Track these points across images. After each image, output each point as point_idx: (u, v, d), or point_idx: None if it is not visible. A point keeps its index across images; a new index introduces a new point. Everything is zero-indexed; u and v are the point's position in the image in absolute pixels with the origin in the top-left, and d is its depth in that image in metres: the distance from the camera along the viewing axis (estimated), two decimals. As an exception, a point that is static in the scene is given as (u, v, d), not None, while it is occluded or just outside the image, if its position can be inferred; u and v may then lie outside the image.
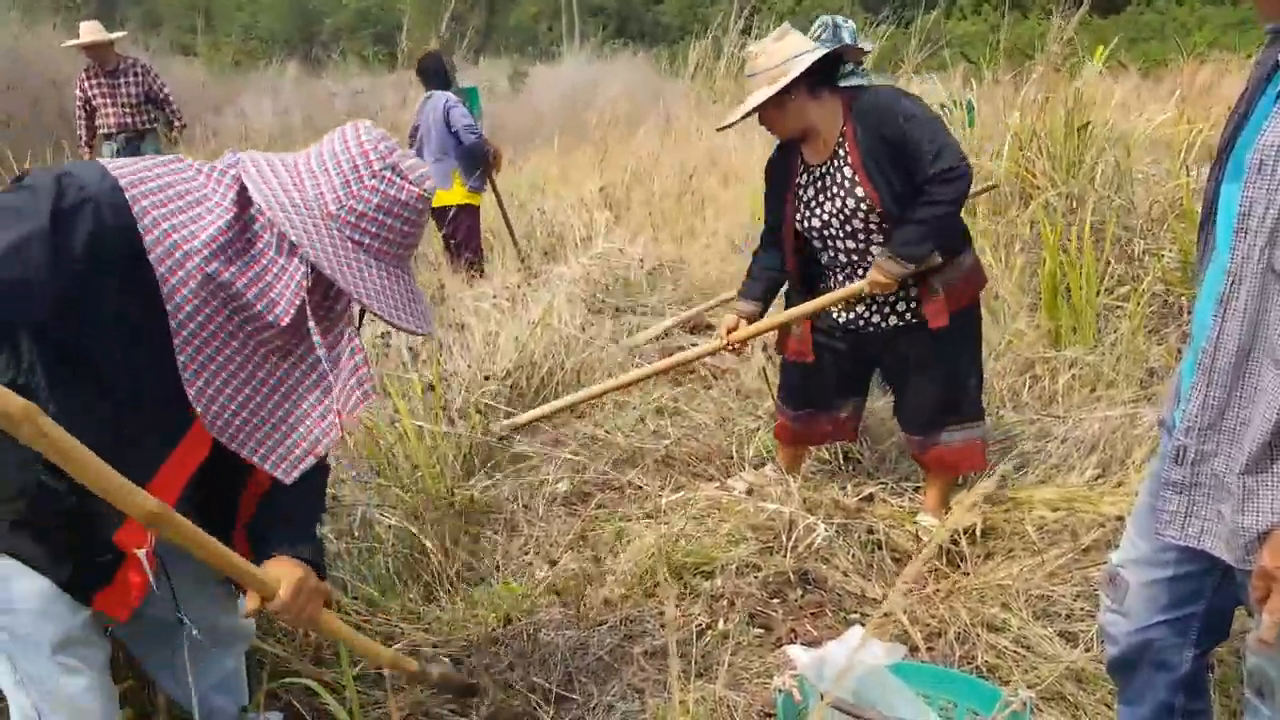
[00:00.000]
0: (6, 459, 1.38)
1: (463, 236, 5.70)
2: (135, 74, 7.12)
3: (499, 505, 3.13)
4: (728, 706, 2.12)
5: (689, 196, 7.20)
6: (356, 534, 2.74)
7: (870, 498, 3.10)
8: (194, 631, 1.62)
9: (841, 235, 2.77)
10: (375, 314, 1.43)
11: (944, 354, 2.81)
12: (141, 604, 1.54)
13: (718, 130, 3.43)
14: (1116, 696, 1.82)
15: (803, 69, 2.62)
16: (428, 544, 2.75)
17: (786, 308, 3.04)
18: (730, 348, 3.02)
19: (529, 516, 3.09)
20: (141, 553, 1.42)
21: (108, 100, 7.05)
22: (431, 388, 3.30)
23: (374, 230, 1.43)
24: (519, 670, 2.34)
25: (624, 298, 5.47)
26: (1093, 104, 4.49)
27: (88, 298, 1.30)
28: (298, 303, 1.39)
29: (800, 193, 2.82)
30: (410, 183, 1.45)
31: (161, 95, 7.22)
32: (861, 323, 2.86)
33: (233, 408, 1.44)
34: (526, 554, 2.89)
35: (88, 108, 7.08)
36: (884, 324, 2.82)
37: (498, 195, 6.00)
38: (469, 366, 3.84)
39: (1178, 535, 1.48)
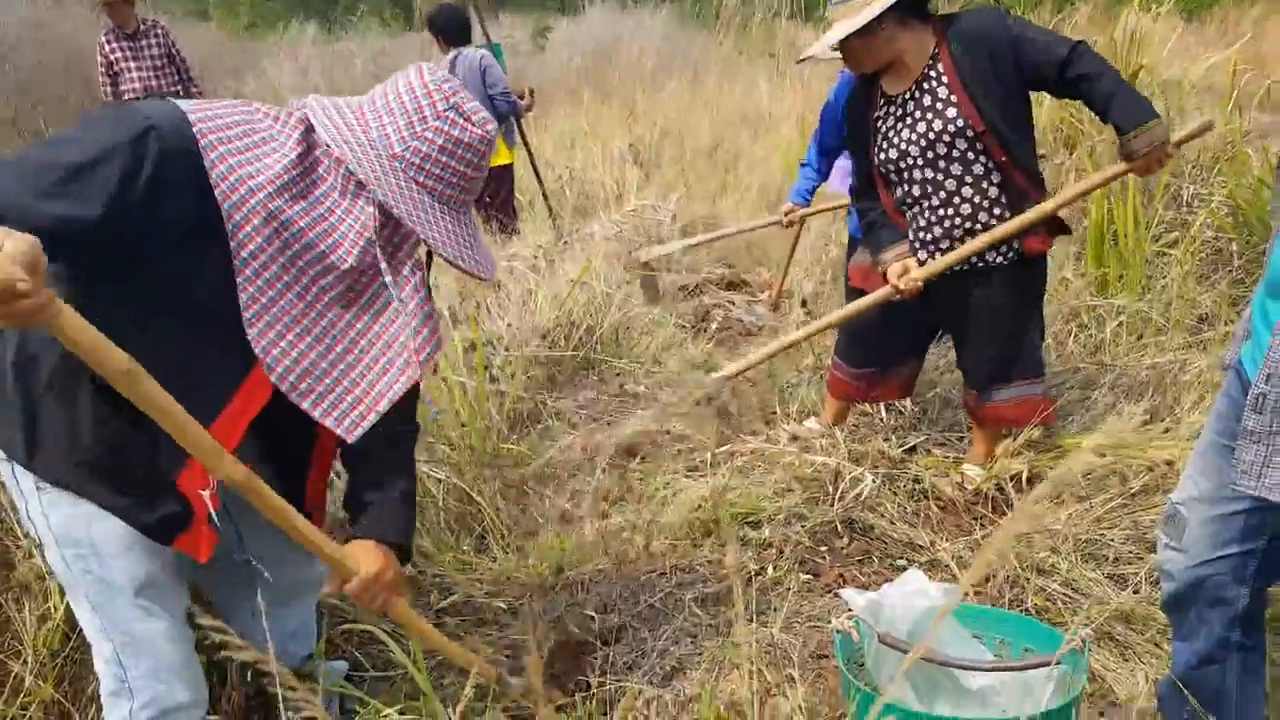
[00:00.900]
0: (84, 411, 1.41)
1: (495, 197, 5.64)
2: (156, 35, 7.10)
3: (546, 461, 3.17)
4: (782, 649, 2.16)
5: (720, 152, 7.14)
6: (408, 489, 2.79)
7: (914, 448, 3.10)
8: (265, 574, 1.66)
9: (919, 164, 2.69)
10: (442, 255, 1.44)
11: (1007, 305, 2.75)
12: (220, 549, 1.58)
13: (798, 63, 3.38)
14: (1172, 633, 1.83)
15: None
16: (477, 498, 2.80)
17: (872, 253, 2.92)
18: (902, 293, 2.76)
19: (575, 471, 3.13)
20: (206, 494, 1.44)
21: (131, 64, 7.02)
22: (473, 346, 3.33)
23: (438, 172, 1.44)
24: (573, 617, 2.40)
25: (662, 257, 5.45)
26: (1144, 47, 4.39)
27: (152, 225, 1.29)
28: (361, 243, 1.39)
29: (878, 125, 2.77)
30: (473, 124, 1.45)
31: (180, 58, 7.23)
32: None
33: (294, 354, 1.43)
34: (576, 509, 2.94)
35: (110, 72, 7.03)
36: (950, 270, 2.72)
37: (529, 150, 5.92)
38: (509, 325, 3.87)
39: (1253, 486, 1.47)
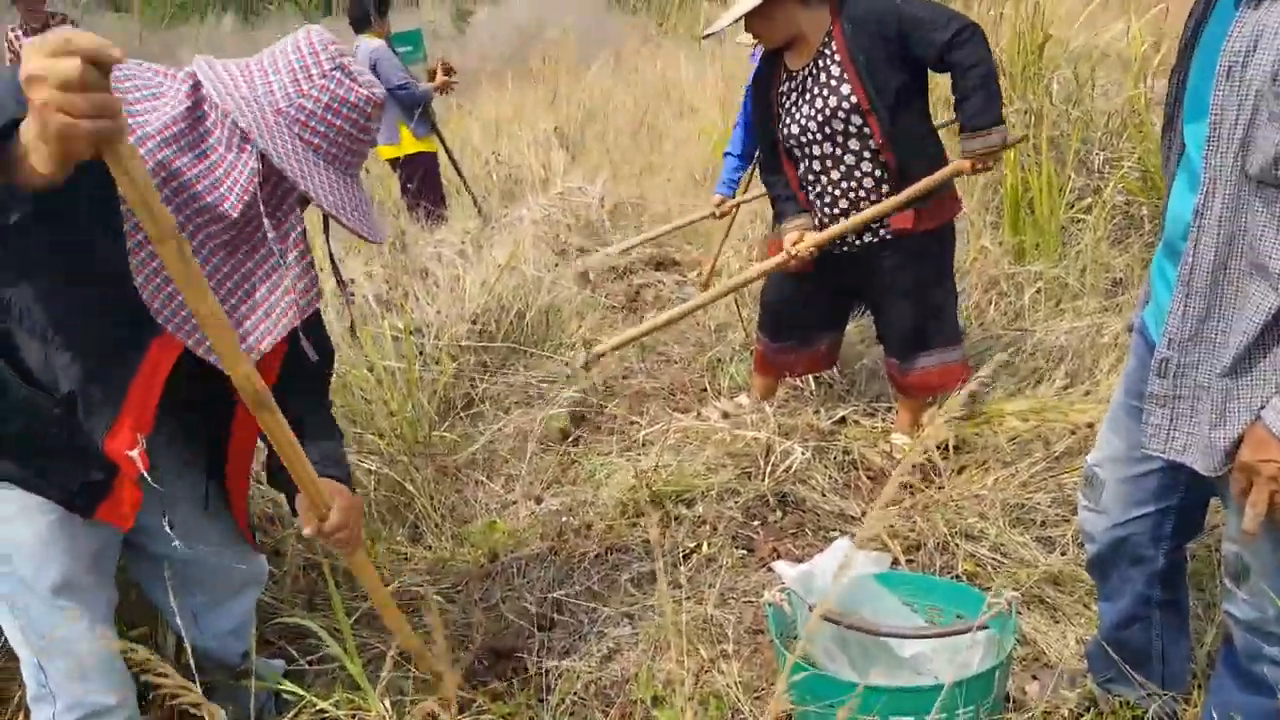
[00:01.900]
0: None
1: (419, 184, 5.52)
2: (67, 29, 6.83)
3: (478, 448, 3.13)
4: (718, 625, 2.17)
5: (645, 132, 7.12)
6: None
7: (844, 420, 3.14)
8: (175, 544, 1.63)
9: (818, 139, 2.73)
10: (322, 207, 1.42)
11: (919, 275, 2.81)
12: (158, 544, 1.58)
13: (702, 38, 3.39)
14: (1096, 593, 1.89)
15: None
16: (410, 488, 2.76)
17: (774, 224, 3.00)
18: (796, 259, 2.80)
19: (508, 457, 3.10)
20: (134, 453, 1.42)
21: None
22: (404, 333, 3.27)
23: (322, 130, 1.42)
24: (510, 603, 2.37)
25: (586, 238, 5.43)
26: (1050, 21, 4.48)
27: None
28: (247, 197, 1.39)
29: (782, 99, 2.79)
30: (359, 84, 1.44)
31: None
32: (847, 240, 2.82)
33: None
34: (509, 493, 2.91)
35: (15, 64, 6.79)
36: (859, 240, 2.80)
37: (443, 142, 5.71)
38: (438, 312, 3.80)
39: (1162, 449, 1.48)
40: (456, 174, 5.94)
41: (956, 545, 2.45)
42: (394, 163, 5.39)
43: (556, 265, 4.65)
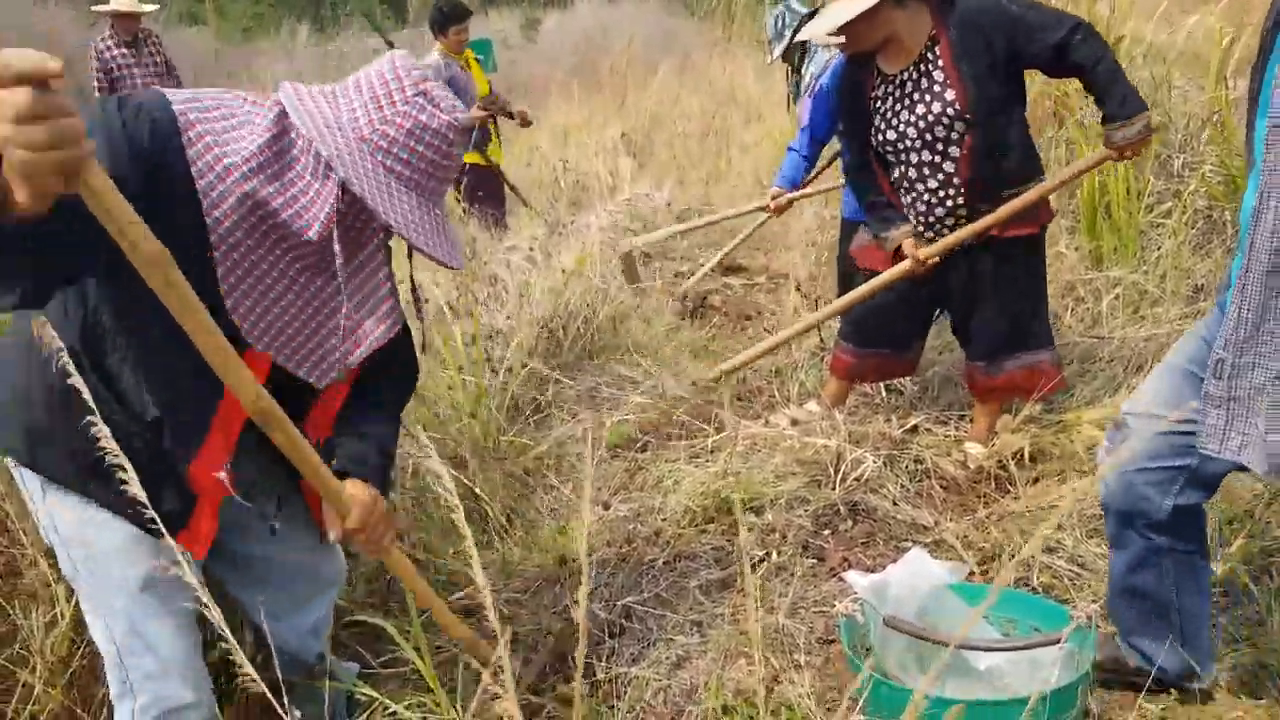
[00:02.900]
0: (74, 400, 1.40)
1: (483, 194, 5.55)
2: (153, 43, 7.02)
3: (547, 453, 3.17)
4: (788, 634, 2.16)
5: (712, 138, 7.12)
6: (407, 484, 2.78)
7: (915, 428, 3.09)
8: (261, 547, 1.69)
9: (917, 147, 2.69)
10: (402, 235, 1.45)
11: (1014, 278, 2.76)
12: (238, 545, 1.62)
13: (795, 41, 3.40)
14: (1108, 540, 1.91)
15: None
16: (479, 491, 2.80)
17: (873, 233, 2.95)
18: (923, 266, 2.78)
19: (578, 463, 3.12)
20: (221, 475, 1.47)
21: (132, 71, 6.91)
22: (474, 340, 3.32)
23: (405, 156, 1.45)
24: (577, 608, 2.39)
25: (654, 244, 5.44)
26: (1125, 18, 4.36)
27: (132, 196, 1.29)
28: (330, 225, 1.43)
29: (878, 105, 2.75)
30: (440, 110, 1.46)
31: (173, 67, 7.16)
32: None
33: (268, 318, 1.47)
34: (578, 499, 2.93)
35: (108, 79, 6.87)
36: (988, 238, 2.73)
37: (489, 162, 5.59)
38: (507, 318, 3.86)
39: (1217, 449, 1.51)
40: (509, 188, 5.96)
41: (1032, 557, 2.40)
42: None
43: (622, 271, 4.67)
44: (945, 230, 2.76)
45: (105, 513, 1.48)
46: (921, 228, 2.79)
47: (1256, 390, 1.45)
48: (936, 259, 2.74)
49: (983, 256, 2.75)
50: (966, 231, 2.70)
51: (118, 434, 1.40)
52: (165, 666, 1.54)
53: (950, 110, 2.60)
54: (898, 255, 2.85)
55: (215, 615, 1.25)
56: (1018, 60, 2.56)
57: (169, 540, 1.38)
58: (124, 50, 6.86)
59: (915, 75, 2.65)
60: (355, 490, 1.59)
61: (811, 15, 2.90)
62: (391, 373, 1.70)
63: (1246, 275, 1.43)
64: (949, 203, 2.71)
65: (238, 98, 1.45)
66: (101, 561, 1.50)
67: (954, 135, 2.63)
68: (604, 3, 14.30)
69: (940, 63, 2.61)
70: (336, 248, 1.45)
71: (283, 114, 1.43)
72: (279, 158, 1.41)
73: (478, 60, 5.60)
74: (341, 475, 1.60)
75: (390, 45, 5.43)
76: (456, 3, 5.31)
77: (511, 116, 5.56)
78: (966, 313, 2.90)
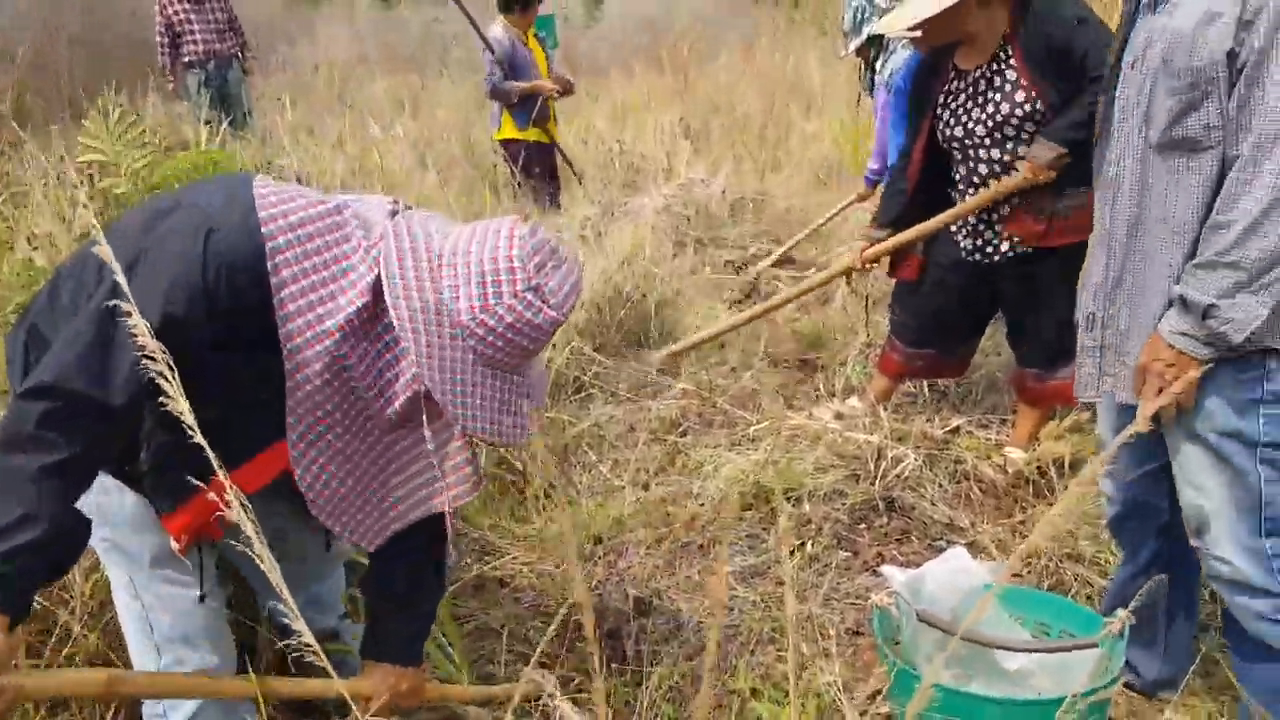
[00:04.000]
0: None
1: (539, 170, 5.57)
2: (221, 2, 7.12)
3: (588, 433, 3.21)
4: (820, 623, 2.18)
5: (771, 127, 7.08)
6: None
7: (957, 430, 3.08)
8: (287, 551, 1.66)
9: (986, 144, 2.69)
10: (471, 434, 1.43)
11: (1068, 285, 2.73)
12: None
13: (871, 35, 3.43)
14: (1122, 556, 2.00)
15: None
16: (519, 465, 2.85)
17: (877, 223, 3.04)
18: (864, 266, 2.97)
19: (617, 444, 3.16)
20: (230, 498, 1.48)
21: (194, 24, 6.88)
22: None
23: (500, 344, 1.38)
24: (611, 586, 2.43)
25: (706, 230, 5.45)
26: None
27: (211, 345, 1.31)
28: (410, 406, 1.40)
29: (949, 100, 2.75)
30: (549, 306, 1.38)
31: (238, 23, 7.23)
32: (989, 249, 2.79)
33: (333, 484, 1.46)
34: (617, 479, 2.97)
35: (171, 33, 6.91)
36: (1013, 251, 2.75)
37: (550, 137, 5.66)
38: (556, 296, 3.89)
39: (1094, 393, 1.74)
40: (568, 165, 5.99)
41: (1062, 566, 2.39)
42: (503, 145, 5.53)
43: (675, 256, 4.69)
44: (998, 236, 2.77)
45: (114, 481, 1.47)
46: (983, 224, 2.79)
47: (1123, 335, 1.65)
48: (874, 263, 2.87)
49: (1039, 262, 2.73)
50: (908, 235, 2.80)
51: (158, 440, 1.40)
52: (189, 631, 1.55)
53: (1020, 111, 2.59)
54: (911, 260, 2.95)
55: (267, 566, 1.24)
56: (1065, 71, 2.55)
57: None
58: (186, 4, 6.89)
59: (989, 74, 2.64)
60: (375, 677, 1.60)
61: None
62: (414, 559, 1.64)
63: (1107, 240, 1.66)
64: (1012, 199, 2.69)
65: (348, 223, 1.38)
66: (117, 534, 1.51)
67: (1023, 136, 2.62)
68: (669, -16, 14.23)
69: (1013, 62, 2.60)
70: (425, 421, 1.41)
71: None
72: (374, 323, 1.37)
73: (538, 37, 5.62)
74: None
75: (465, 12, 5.46)
76: None
77: (568, 92, 5.59)
78: (1021, 318, 2.89)
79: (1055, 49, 2.53)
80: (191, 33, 6.93)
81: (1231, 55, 1.47)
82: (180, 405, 1.10)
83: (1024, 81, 2.58)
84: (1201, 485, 1.63)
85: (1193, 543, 1.68)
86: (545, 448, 3.00)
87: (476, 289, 1.35)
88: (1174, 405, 1.57)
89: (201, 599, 1.57)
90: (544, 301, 1.37)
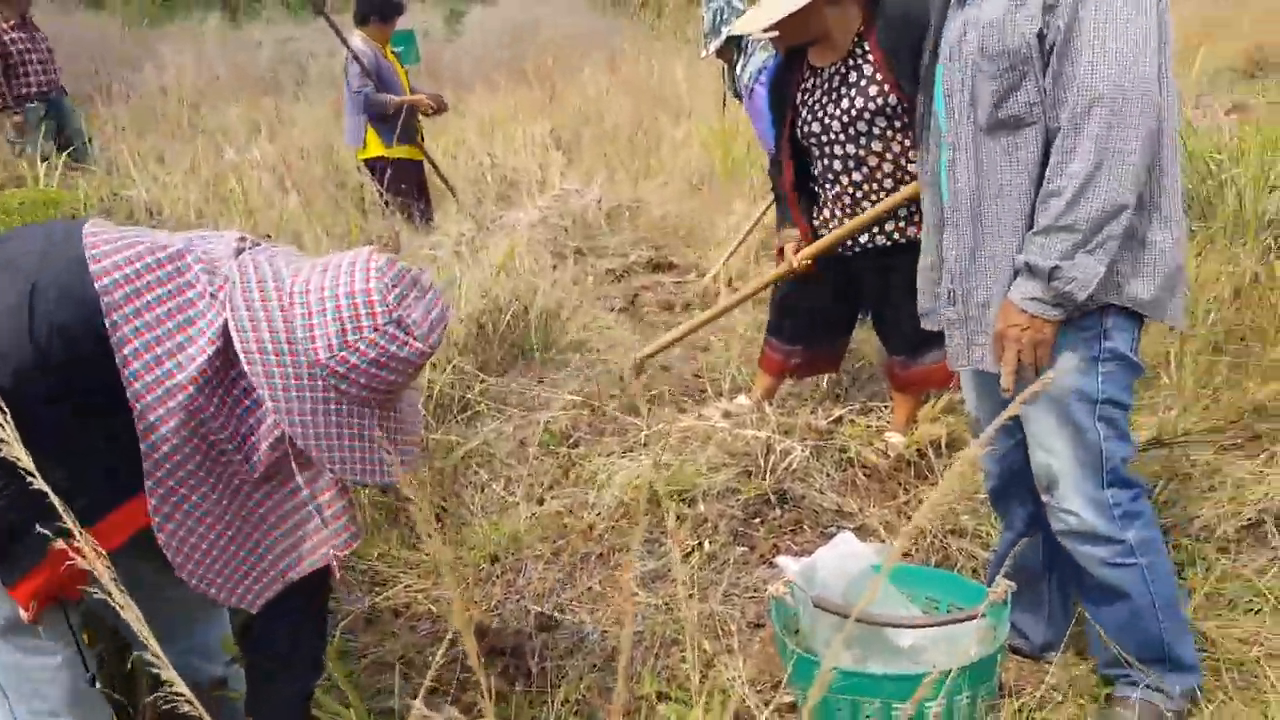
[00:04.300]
0: None
1: (405, 187, 5.39)
2: (38, 28, 6.79)
3: (477, 451, 3.15)
4: (721, 621, 2.20)
5: (641, 135, 7.15)
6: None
7: (840, 419, 3.17)
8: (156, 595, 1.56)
9: (840, 140, 2.76)
10: (337, 475, 1.36)
11: None
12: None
13: (729, 35, 3.51)
14: (1001, 527, 2.12)
15: None
16: (405, 490, 2.76)
17: (778, 225, 3.09)
18: (796, 270, 2.94)
19: (509, 460, 3.12)
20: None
21: (31, 58, 6.63)
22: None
23: (363, 381, 1.32)
24: (510, 604, 2.40)
25: (584, 240, 5.45)
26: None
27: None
28: (276, 455, 1.33)
29: (805, 97, 2.82)
30: (414, 338, 1.32)
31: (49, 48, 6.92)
32: (849, 241, 2.87)
33: (203, 547, 1.37)
34: (510, 495, 2.93)
35: (4, 64, 6.55)
36: (871, 244, 2.83)
37: (423, 151, 5.58)
38: (435, 314, 3.82)
39: (965, 364, 1.82)
40: (442, 180, 5.90)
41: (947, 542, 2.50)
42: (368, 164, 5.41)
43: (554, 268, 4.67)
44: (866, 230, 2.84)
45: None
46: (844, 217, 2.86)
47: (983, 306, 1.74)
48: (809, 262, 2.89)
49: (898, 254, 2.82)
50: (838, 234, 2.82)
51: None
52: (53, 703, 1.44)
53: (873, 105, 2.68)
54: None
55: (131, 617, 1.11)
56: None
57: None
58: (19, 35, 6.59)
59: (844, 70, 2.72)
60: None
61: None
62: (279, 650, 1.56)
63: (955, 219, 1.74)
64: (874, 196, 2.78)
65: (191, 268, 1.30)
66: None
67: (875, 130, 2.71)
68: (530, -3, 14.22)
69: (870, 57, 2.68)
70: (295, 469, 1.34)
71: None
72: (227, 376, 1.30)
73: (395, 53, 5.53)
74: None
75: (332, 24, 5.30)
76: None
77: (442, 109, 5.51)
78: (882, 309, 2.99)
79: (916, 40, 2.61)
80: (28, 65, 6.60)
81: (1040, 36, 1.59)
82: (17, 451, 1.01)
83: (879, 76, 2.67)
84: (1049, 445, 1.74)
85: (1043, 499, 1.80)
86: (431, 470, 2.94)
87: (334, 325, 1.29)
88: (1033, 367, 1.66)
89: (91, 682, 1.45)
90: (408, 334, 1.32)
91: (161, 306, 1.26)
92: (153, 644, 1.00)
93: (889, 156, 2.74)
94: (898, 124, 2.69)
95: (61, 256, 1.25)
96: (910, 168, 2.73)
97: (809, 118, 2.81)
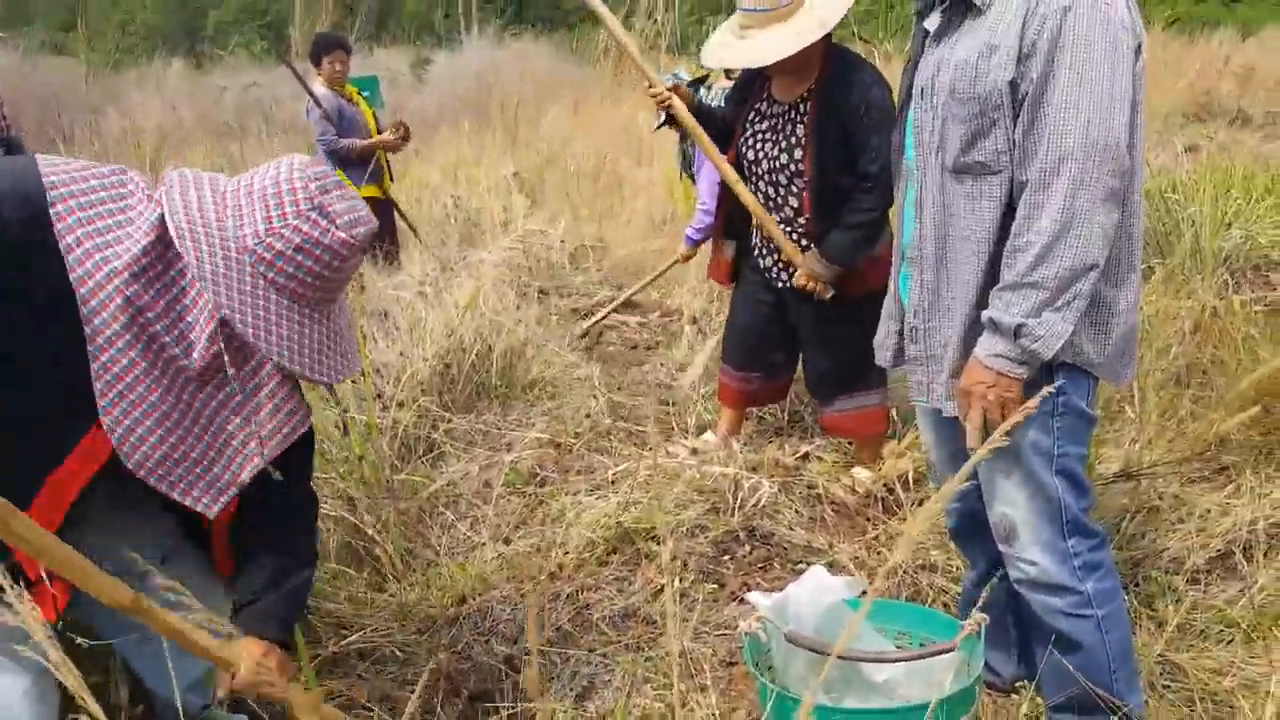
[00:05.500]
0: None
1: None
2: None
3: (443, 492, 3.10)
4: (693, 658, 2.17)
5: (604, 177, 7.20)
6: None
7: (807, 456, 3.18)
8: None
9: (765, 179, 2.82)
10: (276, 361, 1.38)
11: (839, 328, 2.84)
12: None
13: (722, 68, 3.59)
14: (967, 565, 2.11)
15: (845, 11, 2.57)
16: (370, 532, 2.71)
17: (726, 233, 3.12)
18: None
19: (475, 500, 3.07)
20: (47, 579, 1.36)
21: None
22: (364, 374, 3.24)
23: (290, 270, 1.37)
24: (479, 646, 2.34)
25: (548, 280, 5.46)
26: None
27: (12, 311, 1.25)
28: (214, 348, 1.36)
29: (756, 119, 2.84)
30: (336, 227, 1.38)
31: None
32: (775, 271, 2.93)
33: (151, 440, 1.38)
34: (477, 535, 2.88)
35: None
36: (789, 283, 2.87)
37: (388, 197, 5.53)
38: (400, 354, 3.79)
39: (925, 400, 1.80)
40: (405, 222, 5.87)
41: (917, 577, 2.49)
42: None
43: (519, 307, 4.66)
44: (781, 266, 2.90)
45: None
46: (762, 245, 2.93)
47: (944, 346, 1.73)
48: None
49: (807, 302, 2.85)
50: (760, 218, 2.84)
51: None
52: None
53: (792, 166, 2.74)
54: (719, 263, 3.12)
55: (70, 681, 1.10)
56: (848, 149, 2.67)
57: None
58: None
59: (791, 117, 2.76)
60: (245, 647, 1.50)
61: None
62: (277, 504, 1.58)
63: (919, 257, 1.73)
64: (791, 238, 2.83)
65: (130, 181, 1.36)
66: None
67: (794, 189, 2.78)
68: (494, 45, 14.36)
69: (806, 118, 2.72)
70: (228, 359, 1.36)
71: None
72: (164, 266, 1.33)
73: (363, 96, 5.53)
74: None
75: (294, 71, 5.31)
76: (328, 33, 5.28)
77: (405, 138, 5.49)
78: (805, 349, 3.04)
79: (838, 128, 2.64)
80: None
81: (1013, 85, 1.55)
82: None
83: (804, 142, 2.71)
84: (1008, 497, 1.72)
85: (1001, 549, 1.78)
86: (397, 511, 2.88)
87: (260, 212, 1.36)
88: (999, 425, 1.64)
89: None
90: (330, 221, 1.38)
91: (104, 205, 1.32)
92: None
93: (804, 216, 2.79)
94: (809, 194, 2.74)
95: (15, 162, 1.32)
96: (806, 225, 2.79)
97: (751, 141, 2.84)
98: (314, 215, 1.37)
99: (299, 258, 1.36)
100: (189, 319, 1.35)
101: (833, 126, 2.65)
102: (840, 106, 2.64)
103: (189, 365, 1.37)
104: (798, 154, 2.72)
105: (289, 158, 1.43)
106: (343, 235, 1.39)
